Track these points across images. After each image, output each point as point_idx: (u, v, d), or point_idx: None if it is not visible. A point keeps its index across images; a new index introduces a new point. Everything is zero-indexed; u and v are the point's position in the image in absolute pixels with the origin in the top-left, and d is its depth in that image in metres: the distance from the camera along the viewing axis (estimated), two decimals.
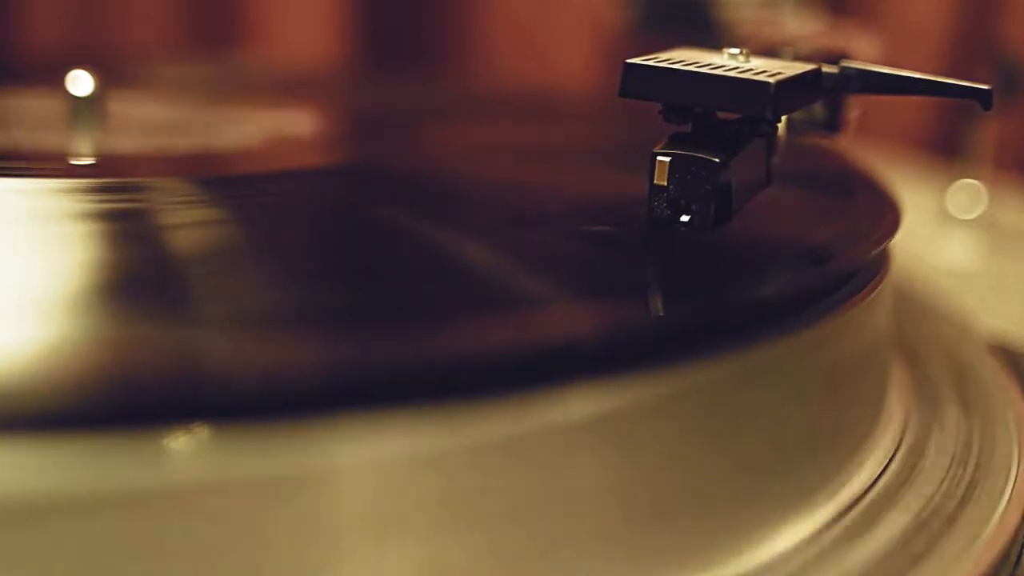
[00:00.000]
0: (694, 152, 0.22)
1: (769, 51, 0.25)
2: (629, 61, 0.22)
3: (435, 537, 0.16)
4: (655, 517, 0.18)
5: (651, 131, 0.23)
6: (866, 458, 0.22)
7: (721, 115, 0.22)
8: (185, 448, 0.14)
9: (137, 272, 0.20)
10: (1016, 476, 0.22)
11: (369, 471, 0.15)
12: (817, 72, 0.23)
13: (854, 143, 0.30)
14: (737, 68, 0.22)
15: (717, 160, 0.21)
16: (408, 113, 0.39)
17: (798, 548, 0.19)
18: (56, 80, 0.33)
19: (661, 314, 0.19)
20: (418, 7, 0.67)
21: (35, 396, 0.14)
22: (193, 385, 0.15)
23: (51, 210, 0.23)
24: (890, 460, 0.22)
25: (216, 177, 0.29)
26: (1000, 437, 0.24)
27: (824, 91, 0.24)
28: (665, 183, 0.22)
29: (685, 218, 0.22)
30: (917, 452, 0.23)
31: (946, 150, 0.50)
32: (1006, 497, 0.21)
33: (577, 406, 0.17)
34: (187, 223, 0.23)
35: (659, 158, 0.22)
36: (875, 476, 0.22)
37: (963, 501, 0.21)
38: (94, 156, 0.32)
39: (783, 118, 0.24)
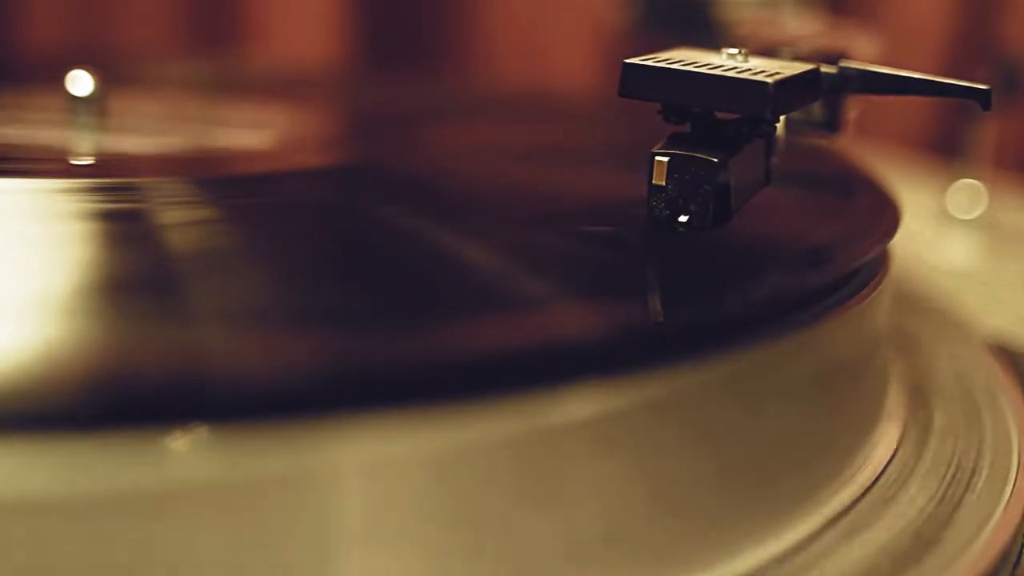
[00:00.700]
0: (693, 152, 0.22)
1: (768, 51, 0.25)
2: (628, 61, 0.22)
3: (435, 537, 0.16)
4: (655, 517, 0.18)
5: (651, 131, 0.23)
6: (865, 458, 0.22)
7: (720, 115, 0.22)
8: (185, 448, 0.14)
9: (137, 272, 0.20)
10: (1016, 476, 0.22)
11: (369, 471, 0.15)
12: (816, 72, 0.23)
13: (854, 143, 0.30)
14: (736, 68, 0.22)
15: (716, 160, 0.21)
16: (408, 113, 0.39)
17: (798, 548, 0.19)
18: (56, 80, 0.33)
19: (660, 314, 0.19)
20: (418, 7, 0.67)
21: (35, 396, 0.14)
22: (193, 385, 0.15)
23: (51, 210, 0.23)
24: (890, 460, 0.22)
25: (216, 177, 0.29)
26: (1000, 437, 0.24)
27: (823, 91, 0.24)
28: (664, 183, 0.22)
29: (684, 218, 0.22)
30: (916, 452, 0.23)
31: (946, 150, 0.50)
32: (1006, 497, 0.21)
33: (577, 406, 0.17)
34: (187, 223, 0.23)
35: (657, 158, 0.22)
36: (875, 476, 0.22)
37: (963, 501, 0.21)
38: (94, 156, 0.32)
39: (782, 118, 0.24)
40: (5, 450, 0.14)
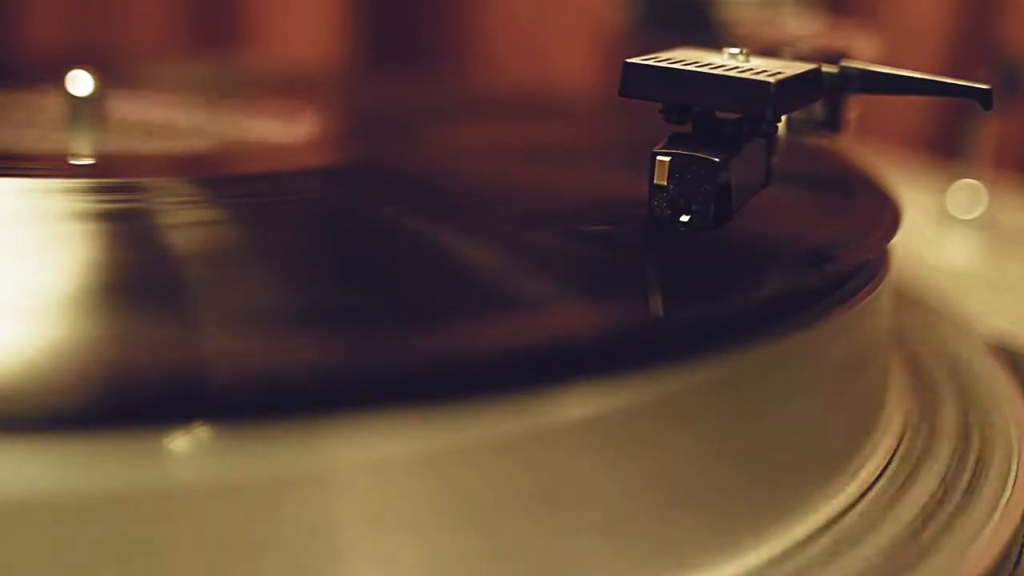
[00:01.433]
0: (694, 152, 0.22)
1: (769, 51, 0.25)
2: (629, 60, 0.22)
3: (435, 537, 0.16)
4: (654, 517, 0.18)
5: (651, 131, 0.23)
6: (866, 458, 0.22)
7: (721, 115, 0.22)
8: (185, 448, 0.14)
9: (137, 272, 0.20)
10: (1016, 476, 0.22)
11: (369, 471, 0.15)
12: (817, 72, 0.23)
13: (854, 143, 0.30)
14: (737, 68, 0.22)
15: (717, 160, 0.21)
16: (408, 113, 0.39)
17: (798, 548, 0.19)
18: (56, 80, 0.33)
19: (661, 314, 0.19)
20: (418, 7, 0.67)
21: (35, 396, 0.14)
22: (193, 385, 0.15)
23: (51, 210, 0.23)
24: (890, 460, 0.22)
25: (216, 177, 0.29)
26: (1000, 437, 0.24)
27: (824, 91, 0.24)
28: (665, 183, 0.22)
29: (685, 218, 0.22)
30: (917, 452, 0.23)
31: (946, 150, 0.50)
32: (1006, 497, 0.21)
33: (577, 406, 0.17)
34: (187, 223, 0.23)
35: (659, 158, 0.22)
36: (875, 476, 0.22)
37: (963, 501, 0.21)
38: (94, 156, 0.32)
39: (783, 118, 0.24)
40: (5, 450, 0.14)
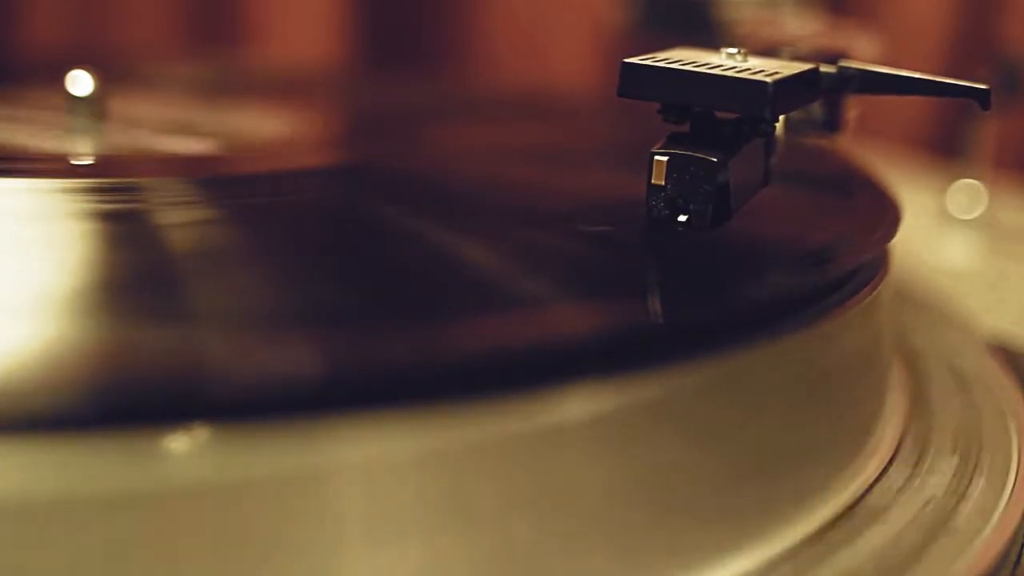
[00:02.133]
0: (692, 151, 0.22)
1: (768, 51, 0.25)
2: (627, 61, 0.22)
3: (434, 537, 0.16)
4: (654, 517, 0.18)
5: (650, 131, 0.23)
6: (866, 458, 0.22)
7: (720, 115, 0.22)
8: (184, 449, 0.14)
9: (137, 272, 0.20)
10: (1016, 476, 0.22)
11: (369, 471, 0.15)
12: (816, 72, 0.23)
13: (854, 143, 0.30)
14: (735, 68, 0.22)
15: (715, 159, 0.21)
16: (408, 113, 0.39)
17: (798, 548, 0.19)
18: (56, 80, 0.33)
19: (660, 314, 0.19)
20: (418, 7, 0.67)
21: (35, 396, 0.14)
22: (193, 385, 0.15)
23: (51, 210, 0.23)
24: (890, 460, 0.22)
25: (216, 177, 0.29)
26: (1000, 437, 0.24)
27: (823, 91, 0.24)
28: (663, 182, 0.22)
29: (683, 218, 0.22)
30: (917, 452, 0.23)
31: (946, 150, 0.50)
32: (1006, 497, 0.21)
33: (577, 406, 0.17)
34: (187, 223, 0.23)
35: (657, 157, 0.22)
36: (875, 476, 0.22)
37: (963, 501, 0.21)
38: (94, 156, 0.32)
39: (782, 118, 0.24)
40: (5, 450, 0.14)
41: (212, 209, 0.25)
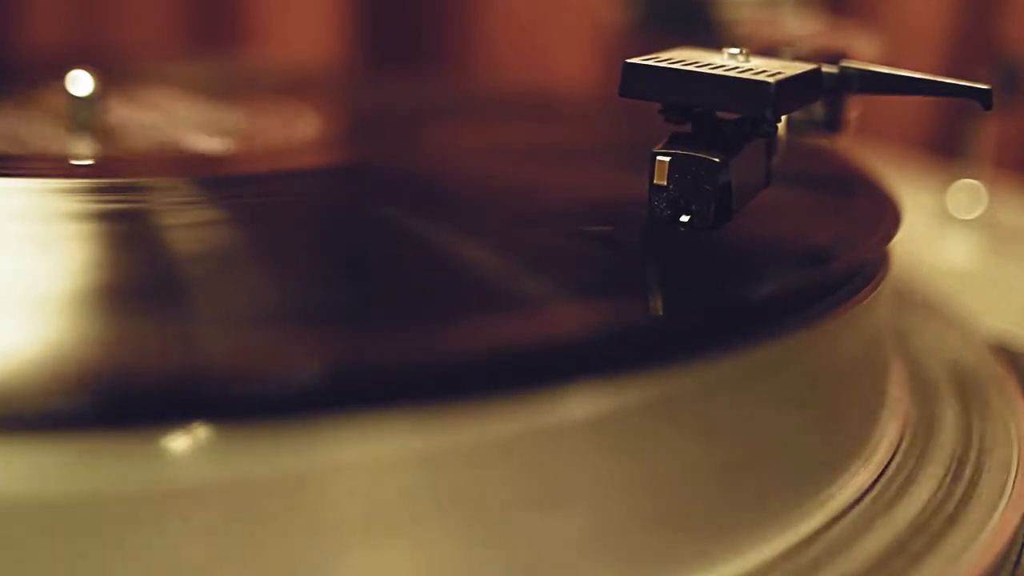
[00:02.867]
0: (694, 152, 0.22)
1: (769, 51, 0.25)
2: (629, 61, 0.22)
3: (434, 537, 0.16)
4: (653, 517, 0.18)
5: (651, 131, 0.23)
6: (866, 458, 0.22)
7: (721, 115, 0.22)
8: (184, 448, 0.14)
9: (137, 272, 0.20)
10: (1016, 476, 0.22)
11: (368, 471, 0.15)
12: (817, 72, 0.23)
13: (854, 143, 0.30)
14: (737, 68, 0.22)
15: (717, 160, 0.21)
16: (408, 113, 0.39)
17: (798, 548, 0.19)
18: (56, 80, 0.33)
19: (661, 314, 0.19)
20: (418, 7, 0.67)
21: (35, 396, 0.14)
22: (192, 385, 0.15)
23: (51, 210, 0.23)
24: (890, 460, 0.22)
25: (216, 177, 0.29)
26: (1000, 437, 0.24)
27: (824, 91, 0.24)
28: (665, 183, 0.22)
29: (685, 218, 0.22)
30: (917, 452, 0.23)
31: (946, 150, 0.50)
32: (1006, 497, 0.21)
33: (577, 406, 0.17)
34: (187, 223, 0.23)
35: (659, 158, 0.22)
36: (875, 476, 0.22)
37: (963, 501, 0.21)
38: (94, 156, 0.32)
39: (783, 118, 0.24)
40: (5, 450, 0.14)
41: (212, 209, 0.25)
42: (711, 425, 0.18)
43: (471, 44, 0.66)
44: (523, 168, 0.30)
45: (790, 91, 0.21)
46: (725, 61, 0.22)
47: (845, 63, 0.23)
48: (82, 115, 0.32)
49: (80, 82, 0.32)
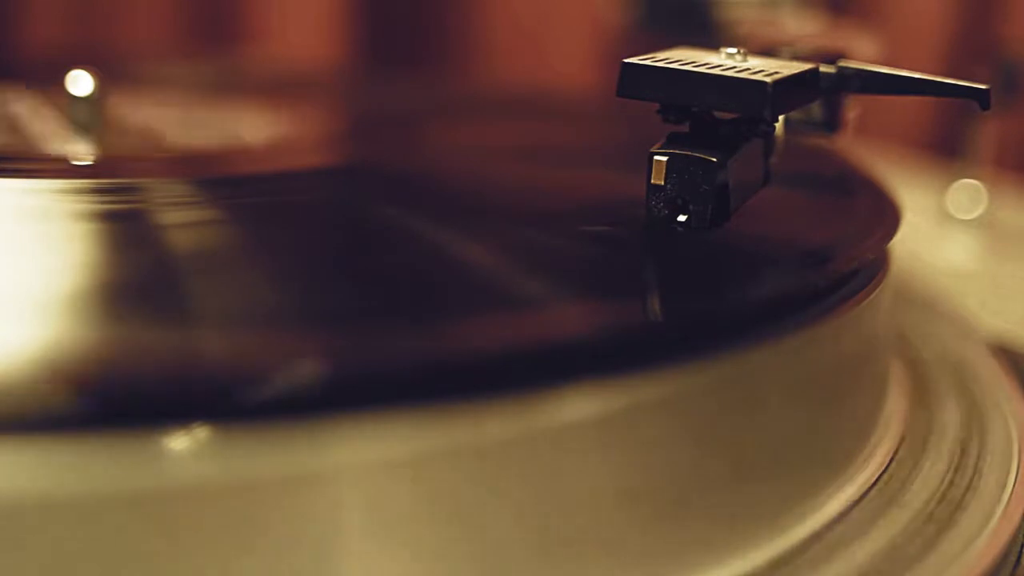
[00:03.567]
0: (692, 151, 0.22)
1: (768, 51, 0.25)
2: (627, 61, 0.22)
3: (434, 537, 0.16)
4: (653, 518, 0.18)
5: (650, 131, 0.23)
6: (866, 458, 0.22)
7: (719, 114, 0.22)
8: (184, 449, 0.14)
9: (137, 272, 0.20)
10: (1016, 476, 0.22)
11: (368, 471, 0.15)
12: (815, 72, 0.23)
13: (854, 143, 0.30)
14: (735, 68, 0.22)
15: (715, 160, 0.21)
16: (408, 113, 0.39)
17: (798, 548, 0.19)
18: (56, 80, 0.33)
19: (660, 314, 0.19)
20: (418, 7, 0.67)
21: (35, 396, 0.14)
22: (192, 386, 0.15)
23: (51, 210, 0.23)
24: (890, 460, 0.22)
25: (216, 177, 0.29)
26: (1000, 437, 0.24)
27: (822, 91, 0.24)
28: (663, 182, 0.22)
29: (683, 218, 0.22)
30: (917, 452, 0.23)
31: (946, 150, 0.50)
32: (1006, 497, 0.21)
33: (577, 406, 0.17)
34: (186, 223, 0.23)
35: (656, 157, 0.22)
36: (875, 476, 0.22)
37: (963, 501, 0.21)
38: (94, 156, 0.32)
39: (781, 118, 0.24)
40: (5, 450, 0.14)
41: (212, 209, 0.25)
42: (711, 425, 0.18)
43: (471, 44, 0.66)
44: (523, 168, 0.30)
45: (788, 91, 0.21)
46: (723, 61, 0.22)
47: (844, 63, 0.23)
48: (82, 115, 0.32)
49: (80, 82, 0.32)
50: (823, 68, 0.23)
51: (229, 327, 0.17)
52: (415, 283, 0.20)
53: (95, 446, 0.14)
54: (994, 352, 0.29)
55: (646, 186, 0.22)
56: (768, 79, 0.21)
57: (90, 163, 0.32)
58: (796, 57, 0.25)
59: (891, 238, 0.24)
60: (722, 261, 0.22)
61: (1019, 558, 0.20)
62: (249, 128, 0.35)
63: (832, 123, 0.26)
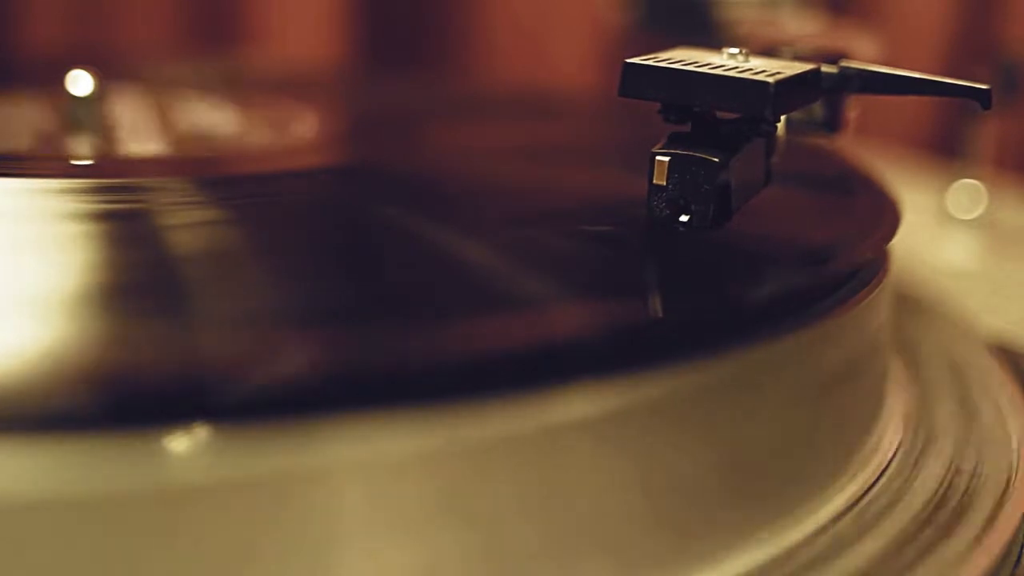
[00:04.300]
0: (693, 151, 0.22)
1: (769, 51, 0.25)
2: (628, 61, 0.22)
3: (434, 537, 0.16)
4: (653, 518, 0.18)
5: (651, 131, 0.23)
6: (866, 458, 0.22)
7: (720, 114, 0.22)
8: (185, 448, 0.14)
9: (137, 272, 0.20)
10: (1016, 476, 0.22)
11: (368, 471, 0.15)
12: (816, 72, 0.23)
13: (854, 143, 0.30)
14: (736, 68, 0.22)
15: (716, 160, 0.21)
16: (408, 113, 0.39)
17: (798, 548, 0.19)
18: (56, 80, 0.33)
19: (660, 314, 0.19)
20: (418, 7, 0.67)
21: (35, 396, 0.14)
22: (193, 385, 0.15)
23: (51, 210, 0.23)
24: (890, 460, 0.22)
25: (216, 177, 0.29)
26: (1000, 438, 0.24)
27: (823, 91, 0.24)
28: (664, 182, 0.22)
29: (684, 218, 0.22)
30: (917, 452, 0.23)
31: (946, 150, 0.50)
32: (1006, 497, 0.21)
33: (577, 406, 0.17)
34: (187, 223, 0.23)
35: (658, 157, 0.22)
36: (875, 476, 0.22)
37: (963, 501, 0.21)
38: (94, 156, 0.32)
39: (782, 118, 0.24)
40: (5, 450, 0.14)
41: (212, 209, 0.25)
42: (710, 425, 0.18)
43: (471, 44, 0.66)
44: (523, 168, 0.30)
45: (789, 91, 0.21)
46: (724, 61, 0.22)
47: (844, 63, 0.23)
48: (82, 115, 0.32)
49: (80, 82, 0.32)
50: (824, 68, 0.23)
51: (230, 326, 0.17)
52: (415, 282, 0.20)
53: (96, 446, 0.14)
54: (994, 352, 0.29)
55: (648, 186, 0.22)
56: (770, 79, 0.21)
57: (90, 163, 0.32)
58: (797, 57, 0.25)
59: (891, 238, 0.24)
60: (723, 261, 0.22)
61: (1019, 558, 0.20)
62: (249, 127, 0.35)
63: (833, 123, 0.26)
